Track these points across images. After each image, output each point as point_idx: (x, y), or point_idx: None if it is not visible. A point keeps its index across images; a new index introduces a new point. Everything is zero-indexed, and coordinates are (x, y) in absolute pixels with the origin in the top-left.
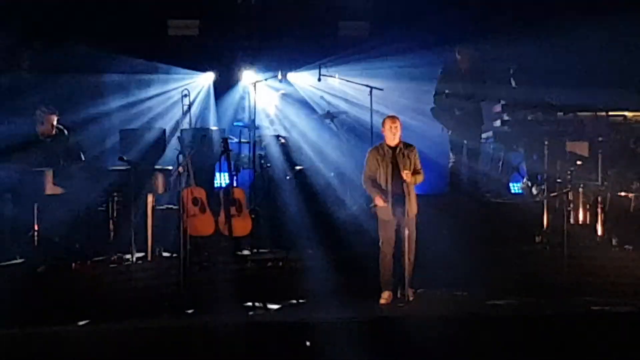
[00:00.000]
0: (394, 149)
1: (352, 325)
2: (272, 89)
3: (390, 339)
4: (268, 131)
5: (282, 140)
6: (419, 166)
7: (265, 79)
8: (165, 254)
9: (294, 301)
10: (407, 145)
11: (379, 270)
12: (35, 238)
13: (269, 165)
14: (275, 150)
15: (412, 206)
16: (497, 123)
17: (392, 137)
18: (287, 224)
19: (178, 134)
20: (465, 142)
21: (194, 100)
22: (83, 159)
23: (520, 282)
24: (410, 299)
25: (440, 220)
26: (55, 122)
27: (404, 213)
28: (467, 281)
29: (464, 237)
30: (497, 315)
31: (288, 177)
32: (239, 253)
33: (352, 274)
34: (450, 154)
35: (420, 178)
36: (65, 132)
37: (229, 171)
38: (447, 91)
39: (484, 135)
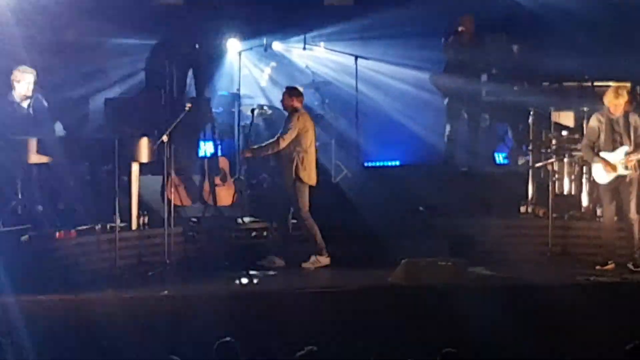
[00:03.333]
0: None
1: (336, 295)
2: (263, 60)
3: (376, 308)
4: (254, 101)
5: (268, 111)
6: None
7: (251, 48)
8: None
9: (279, 270)
10: None
11: (366, 239)
12: (19, 207)
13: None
14: (259, 120)
15: None
16: (483, 93)
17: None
18: (271, 193)
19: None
20: (464, 112)
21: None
22: (61, 128)
23: (505, 252)
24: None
25: (425, 190)
26: (32, 83)
27: None
28: (452, 251)
29: (448, 207)
30: (481, 285)
31: None
32: (223, 222)
33: (338, 242)
34: (447, 124)
35: None
36: (44, 101)
37: (214, 141)
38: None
39: None
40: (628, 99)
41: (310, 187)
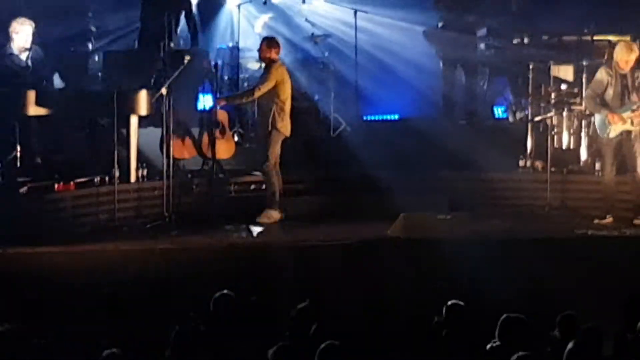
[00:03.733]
0: None
1: (335, 248)
2: (262, 13)
3: (374, 261)
4: (253, 54)
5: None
6: None
7: (250, 1)
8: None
9: (278, 223)
10: None
11: (365, 193)
12: (18, 159)
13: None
14: (259, 74)
15: None
16: (482, 47)
17: None
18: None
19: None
20: (459, 66)
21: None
22: (60, 81)
23: (503, 206)
24: None
25: (424, 145)
26: (30, 35)
27: None
28: (451, 205)
29: (447, 161)
30: (482, 238)
31: None
32: (222, 175)
33: (337, 196)
34: (443, 79)
35: None
36: (42, 53)
37: (213, 94)
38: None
39: None
40: (638, 55)
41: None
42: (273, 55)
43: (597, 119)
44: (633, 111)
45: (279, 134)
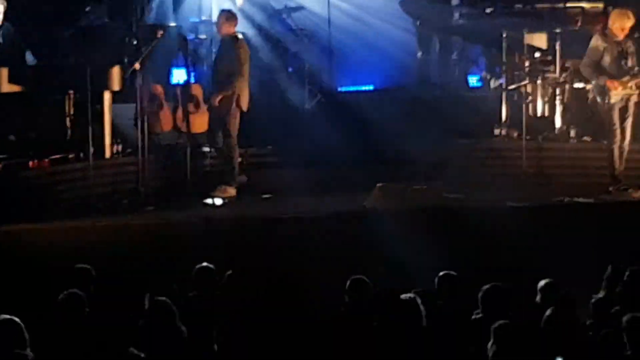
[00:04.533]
0: None
1: (313, 220)
2: None
3: (351, 233)
4: None
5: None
6: None
7: None
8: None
9: (256, 196)
10: None
11: (341, 165)
12: None
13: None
14: None
15: None
16: (456, 16)
17: None
18: (246, 120)
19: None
20: (435, 36)
21: None
22: (32, 58)
23: (479, 175)
24: None
25: (400, 115)
26: (1, 13)
27: None
28: (427, 175)
29: (423, 131)
30: (457, 207)
31: None
32: (198, 149)
33: (312, 169)
34: (419, 49)
35: None
36: (14, 30)
37: (186, 68)
38: None
39: None
40: (634, 23)
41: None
42: (233, 29)
43: (595, 86)
44: (632, 76)
45: (238, 111)
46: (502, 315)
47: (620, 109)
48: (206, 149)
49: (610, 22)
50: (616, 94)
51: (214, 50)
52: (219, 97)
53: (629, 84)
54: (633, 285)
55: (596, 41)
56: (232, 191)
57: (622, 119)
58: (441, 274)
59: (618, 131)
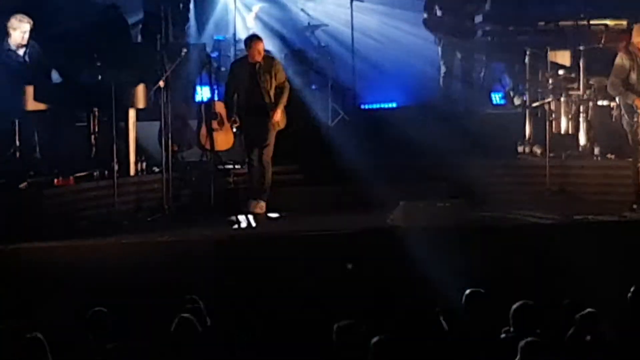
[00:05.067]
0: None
1: (336, 237)
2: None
3: (375, 250)
4: None
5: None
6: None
7: None
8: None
9: (277, 214)
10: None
11: (364, 182)
12: (17, 154)
13: None
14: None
15: None
16: (479, 34)
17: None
18: None
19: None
20: (458, 54)
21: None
22: (58, 76)
23: (503, 192)
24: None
25: (422, 133)
26: (27, 32)
27: None
28: (450, 192)
29: (447, 148)
30: (480, 226)
31: None
32: (221, 167)
33: (336, 186)
34: (442, 66)
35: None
36: (40, 49)
37: (210, 85)
38: (437, 6)
39: None
40: None
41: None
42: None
43: (623, 104)
44: None
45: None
46: (531, 333)
47: None
48: (229, 167)
49: (634, 38)
50: None
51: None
52: (279, 112)
53: None
54: None
55: (621, 59)
56: (264, 207)
57: None
58: (468, 291)
59: None
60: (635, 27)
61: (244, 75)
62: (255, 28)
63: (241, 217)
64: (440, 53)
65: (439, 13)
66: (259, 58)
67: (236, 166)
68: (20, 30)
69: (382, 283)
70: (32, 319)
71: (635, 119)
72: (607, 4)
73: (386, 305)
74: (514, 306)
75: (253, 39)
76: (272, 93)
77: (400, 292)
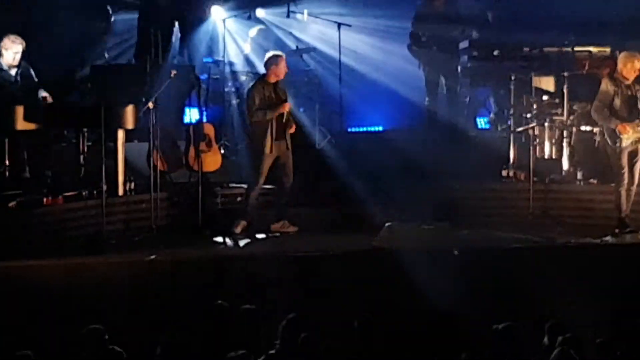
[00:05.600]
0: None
1: (322, 259)
2: (246, 27)
3: (360, 271)
4: (236, 67)
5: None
6: None
7: (235, 15)
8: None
9: (264, 235)
10: None
11: (350, 203)
12: (7, 173)
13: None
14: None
15: None
16: (464, 59)
17: None
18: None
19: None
20: (442, 79)
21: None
22: (44, 95)
23: (487, 216)
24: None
25: (407, 156)
26: (20, 53)
27: None
28: (435, 215)
29: (432, 171)
30: (464, 248)
31: None
32: (209, 188)
33: (322, 207)
34: (427, 91)
35: None
36: (31, 70)
37: (199, 107)
38: (422, 33)
39: None
40: None
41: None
42: None
43: (606, 129)
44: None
45: None
46: (514, 356)
47: (629, 153)
48: (217, 188)
49: (619, 65)
50: (627, 138)
51: (225, 90)
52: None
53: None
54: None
55: (606, 85)
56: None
57: (631, 162)
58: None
59: (627, 175)
60: (622, 55)
61: (269, 94)
62: (250, 52)
63: (227, 238)
64: (425, 78)
65: (423, 39)
66: (282, 75)
67: (223, 186)
68: (12, 50)
69: (367, 304)
70: (21, 335)
71: (618, 144)
72: (591, 31)
73: (370, 326)
74: (496, 327)
75: (281, 56)
76: None
77: (386, 314)
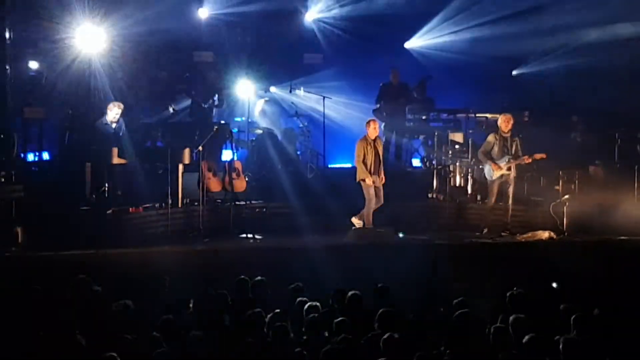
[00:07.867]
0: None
1: (313, 250)
2: (258, 96)
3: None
4: (259, 124)
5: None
6: None
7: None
8: (190, 203)
9: (275, 234)
10: None
11: (329, 215)
12: (106, 192)
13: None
14: (263, 137)
15: None
16: (407, 120)
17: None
18: (269, 184)
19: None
20: (394, 132)
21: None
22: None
23: (418, 223)
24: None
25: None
26: (119, 114)
27: None
28: (387, 222)
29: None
30: (403, 244)
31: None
32: (238, 203)
33: (309, 217)
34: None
35: None
36: (123, 125)
37: (232, 149)
38: (381, 104)
39: None
40: (513, 123)
41: None
42: None
43: (486, 167)
44: (507, 162)
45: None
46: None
47: (501, 182)
48: (243, 203)
49: (499, 122)
50: (497, 173)
51: (248, 140)
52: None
53: (504, 167)
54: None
55: (491, 137)
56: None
57: (506, 188)
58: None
59: (494, 198)
60: (502, 116)
61: (369, 147)
62: (258, 116)
63: (250, 235)
64: (383, 131)
65: (382, 104)
66: (374, 136)
67: (247, 202)
68: (114, 112)
69: (340, 283)
70: (116, 299)
71: (490, 177)
72: (488, 103)
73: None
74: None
75: (373, 121)
76: None
77: (352, 287)
